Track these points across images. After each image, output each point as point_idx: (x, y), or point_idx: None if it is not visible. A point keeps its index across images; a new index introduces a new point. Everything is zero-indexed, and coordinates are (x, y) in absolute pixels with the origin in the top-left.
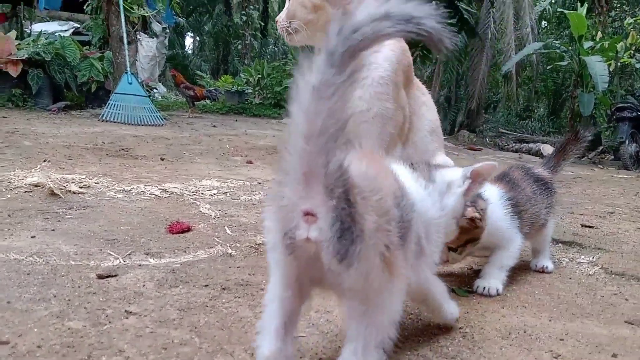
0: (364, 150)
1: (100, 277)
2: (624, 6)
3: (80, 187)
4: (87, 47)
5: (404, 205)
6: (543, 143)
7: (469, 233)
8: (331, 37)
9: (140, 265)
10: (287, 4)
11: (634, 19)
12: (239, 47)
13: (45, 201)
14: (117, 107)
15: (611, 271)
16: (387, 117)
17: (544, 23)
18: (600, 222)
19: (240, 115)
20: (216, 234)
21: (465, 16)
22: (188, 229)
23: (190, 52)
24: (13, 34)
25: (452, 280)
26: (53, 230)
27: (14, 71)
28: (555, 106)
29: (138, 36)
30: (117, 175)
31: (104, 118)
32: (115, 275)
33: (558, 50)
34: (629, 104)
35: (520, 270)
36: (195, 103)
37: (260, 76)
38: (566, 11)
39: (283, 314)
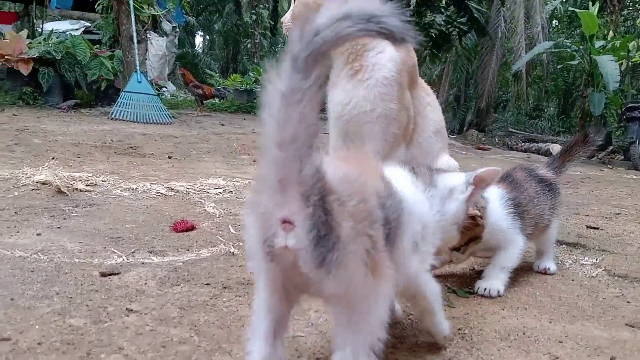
0: (351, 151)
1: (103, 274)
2: (637, 5)
3: (87, 185)
4: (97, 45)
5: (390, 206)
6: (552, 143)
7: (470, 232)
8: (293, 42)
9: (143, 264)
10: (292, 5)
11: None
12: (249, 46)
13: (52, 199)
14: (126, 105)
15: (614, 273)
16: (391, 118)
17: (555, 22)
18: (605, 224)
19: (249, 113)
20: (220, 232)
21: (476, 15)
22: (192, 228)
23: (200, 50)
24: (24, 32)
25: (453, 280)
26: (59, 227)
27: (25, 69)
28: (565, 106)
29: (148, 35)
30: (124, 174)
31: (113, 116)
32: (118, 273)
33: (569, 50)
34: (639, 104)
35: (522, 272)
36: (204, 102)
37: None
38: (577, 10)
39: (271, 319)
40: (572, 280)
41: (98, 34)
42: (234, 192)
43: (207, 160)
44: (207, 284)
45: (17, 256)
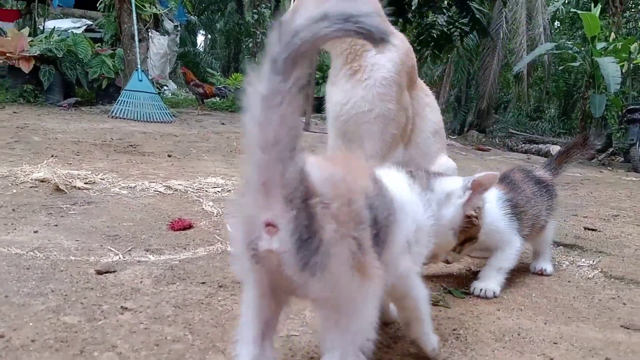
0: (341, 151)
1: (98, 272)
2: (639, 7)
3: (86, 183)
4: (99, 44)
5: (379, 205)
6: (553, 144)
7: (466, 232)
8: (272, 43)
9: (139, 262)
10: (292, 5)
11: None
12: (250, 45)
13: (50, 196)
14: (126, 103)
15: (611, 275)
16: (389, 118)
17: (556, 23)
18: (603, 225)
19: None
20: (217, 231)
21: (477, 16)
22: (189, 226)
23: (201, 49)
24: (26, 30)
25: (450, 281)
26: (56, 225)
27: (26, 67)
28: (566, 107)
29: (150, 34)
30: (123, 172)
31: (113, 114)
32: (113, 271)
33: (570, 51)
34: None
35: (519, 273)
36: (205, 100)
37: None
38: (579, 11)
39: (259, 321)
40: (569, 281)
41: (100, 32)
42: (232, 191)
43: (206, 159)
44: (203, 283)
45: (13, 253)
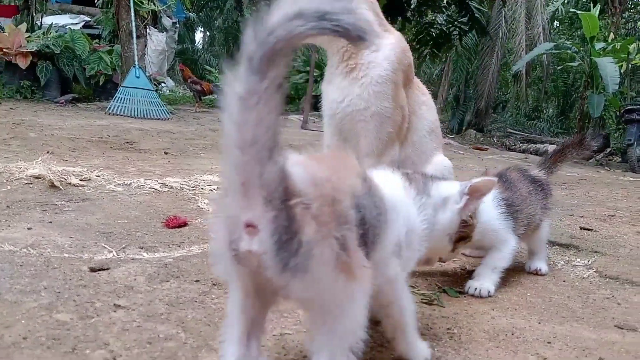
0: (330, 150)
1: (92, 270)
2: (638, 7)
3: (81, 180)
4: (97, 40)
5: (367, 205)
6: (551, 144)
7: (460, 231)
8: (247, 42)
9: (133, 259)
10: None
11: None
12: None
13: (44, 193)
14: (124, 100)
15: (606, 275)
16: (385, 116)
17: (556, 23)
18: (599, 225)
19: None
20: None
21: (477, 15)
22: (184, 224)
23: (200, 47)
24: (23, 26)
25: (444, 280)
26: (50, 222)
27: (23, 63)
28: (564, 107)
29: (148, 30)
30: (119, 169)
31: (110, 111)
32: (107, 269)
33: (569, 51)
34: (638, 106)
35: (514, 272)
36: (203, 98)
37: None
38: (578, 11)
39: (245, 320)
40: (564, 281)
41: (98, 28)
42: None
43: (203, 156)
44: (197, 281)
45: (6, 250)
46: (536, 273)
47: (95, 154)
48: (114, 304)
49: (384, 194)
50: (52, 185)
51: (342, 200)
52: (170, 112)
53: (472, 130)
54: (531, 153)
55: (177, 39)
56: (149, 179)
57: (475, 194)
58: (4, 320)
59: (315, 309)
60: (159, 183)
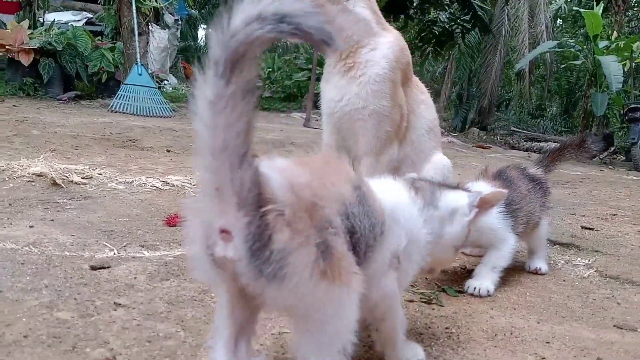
0: (322, 154)
1: (93, 268)
2: None
3: (83, 178)
4: (99, 37)
5: (357, 213)
6: (554, 142)
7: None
8: (212, 45)
9: (134, 258)
10: None
11: None
12: None
13: (46, 191)
14: (126, 97)
15: (606, 274)
16: (383, 115)
17: (559, 21)
18: (601, 224)
19: None
20: None
21: (479, 13)
22: None
23: (202, 44)
24: (26, 23)
25: (443, 279)
26: (52, 220)
27: (25, 60)
28: (568, 105)
29: (150, 27)
30: (121, 166)
31: (113, 108)
32: (108, 267)
33: (572, 49)
34: None
35: (514, 271)
36: None
37: (270, 70)
38: (582, 10)
39: (232, 324)
40: (564, 280)
41: (100, 25)
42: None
43: None
44: (197, 279)
45: (8, 248)
46: (536, 272)
47: (97, 151)
48: (115, 303)
49: (383, 203)
50: (54, 183)
51: (324, 206)
52: (173, 110)
53: (475, 128)
54: (534, 151)
55: (179, 36)
56: (151, 177)
57: (484, 205)
58: (5, 319)
59: (297, 316)
60: (160, 181)
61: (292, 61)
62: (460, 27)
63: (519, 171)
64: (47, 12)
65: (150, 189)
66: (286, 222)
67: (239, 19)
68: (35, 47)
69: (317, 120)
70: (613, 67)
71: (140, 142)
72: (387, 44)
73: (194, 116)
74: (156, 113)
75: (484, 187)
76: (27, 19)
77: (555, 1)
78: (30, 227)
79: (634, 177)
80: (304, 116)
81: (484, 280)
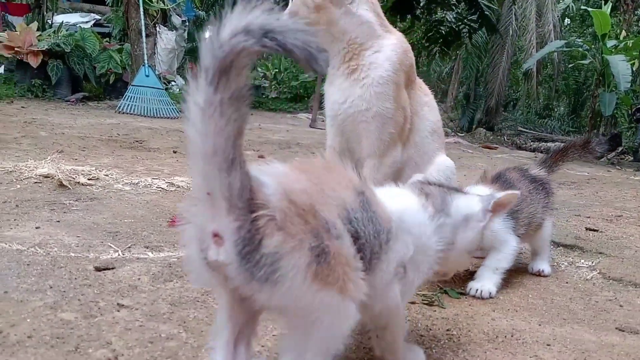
0: (324, 159)
1: (97, 269)
2: None
3: (89, 179)
4: (107, 39)
5: (359, 219)
6: (562, 142)
7: None
8: (203, 53)
9: (138, 259)
10: (290, 2)
11: None
12: None
13: (53, 192)
14: (133, 99)
15: (609, 276)
16: (386, 117)
17: (567, 21)
18: (605, 226)
19: (256, 109)
20: None
21: (486, 12)
22: None
23: None
24: (34, 25)
25: (445, 281)
26: (58, 221)
27: (34, 62)
28: (575, 105)
29: (157, 29)
30: (128, 168)
31: (120, 110)
32: (112, 268)
33: (580, 49)
34: None
35: (516, 273)
36: None
37: (277, 70)
38: (590, 9)
39: (232, 327)
40: (566, 282)
41: (108, 27)
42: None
43: None
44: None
45: (14, 249)
46: (539, 274)
47: (104, 152)
48: (118, 304)
49: (391, 210)
50: (61, 185)
51: (322, 211)
52: (180, 111)
53: (482, 128)
54: (542, 152)
55: (186, 37)
56: (157, 178)
57: (498, 209)
58: (9, 319)
59: (288, 317)
60: (166, 182)
61: None
62: (467, 26)
63: (519, 172)
64: (55, 14)
65: (155, 190)
66: (277, 226)
67: (227, 30)
68: (44, 48)
69: (323, 121)
70: (621, 67)
71: (147, 143)
72: (391, 46)
73: (186, 121)
74: (163, 114)
75: (483, 191)
76: (35, 21)
77: (563, 0)
78: (37, 228)
79: None
80: (310, 117)
81: (486, 282)
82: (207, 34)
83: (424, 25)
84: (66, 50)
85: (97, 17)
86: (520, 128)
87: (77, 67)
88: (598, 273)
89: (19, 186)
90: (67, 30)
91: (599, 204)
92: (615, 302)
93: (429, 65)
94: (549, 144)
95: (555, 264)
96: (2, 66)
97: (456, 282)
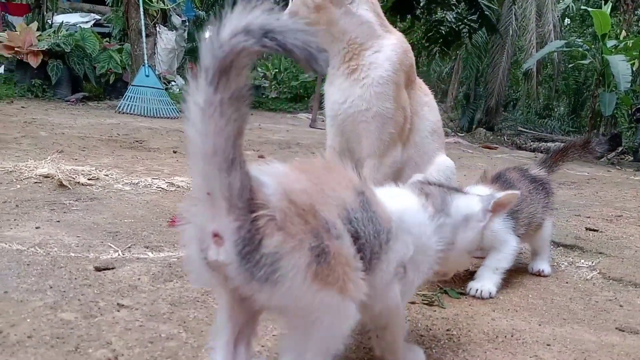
0: (322, 161)
1: (97, 269)
2: None
3: (89, 179)
4: (107, 39)
5: (360, 219)
6: (562, 142)
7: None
8: (203, 53)
9: (138, 259)
10: (290, 2)
11: None
12: None
13: (53, 192)
14: (133, 99)
15: (609, 276)
16: (386, 117)
17: (567, 21)
18: (605, 226)
19: (256, 109)
20: None
21: (486, 12)
22: None
23: None
24: (34, 25)
25: (445, 281)
26: (58, 221)
27: (34, 62)
28: (575, 105)
29: (157, 29)
30: (127, 168)
31: (120, 110)
32: (112, 268)
33: (580, 49)
34: None
35: (516, 273)
36: None
37: (277, 70)
38: (590, 9)
39: (231, 327)
40: (566, 282)
41: (108, 27)
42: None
43: None
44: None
45: (14, 249)
46: (539, 274)
47: (104, 152)
48: (118, 304)
49: (391, 210)
50: (61, 185)
51: (322, 211)
52: (180, 111)
53: (482, 128)
54: (542, 152)
55: (186, 37)
56: (157, 178)
57: (498, 209)
58: (9, 319)
59: (288, 317)
60: (166, 182)
61: None
62: (467, 26)
63: (519, 172)
64: (55, 14)
65: (155, 190)
66: (277, 226)
67: (227, 30)
68: (44, 48)
69: (323, 121)
70: (621, 67)
71: (147, 143)
72: (391, 46)
73: (186, 121)
74: (163, 114)
75: (483, 191)
76: (35, 21)
77: (563, 0)
78: (37, 228)
79: None
80: (310, 117)
81: (486, 282)
82: (207, 34)
83: (424, 25)
84: (66, 50)
85: (97, 17)
86: (520, 128)
87: (77, 67)
88: (598, 273)
89: (19, 186)
90: (67, 30)
91: (599, 204)
92: (615, 302)
93: (429, 65)
94: (549, 144)
95: (555, 264)
96: (2, 66)
97: (456, 282)
